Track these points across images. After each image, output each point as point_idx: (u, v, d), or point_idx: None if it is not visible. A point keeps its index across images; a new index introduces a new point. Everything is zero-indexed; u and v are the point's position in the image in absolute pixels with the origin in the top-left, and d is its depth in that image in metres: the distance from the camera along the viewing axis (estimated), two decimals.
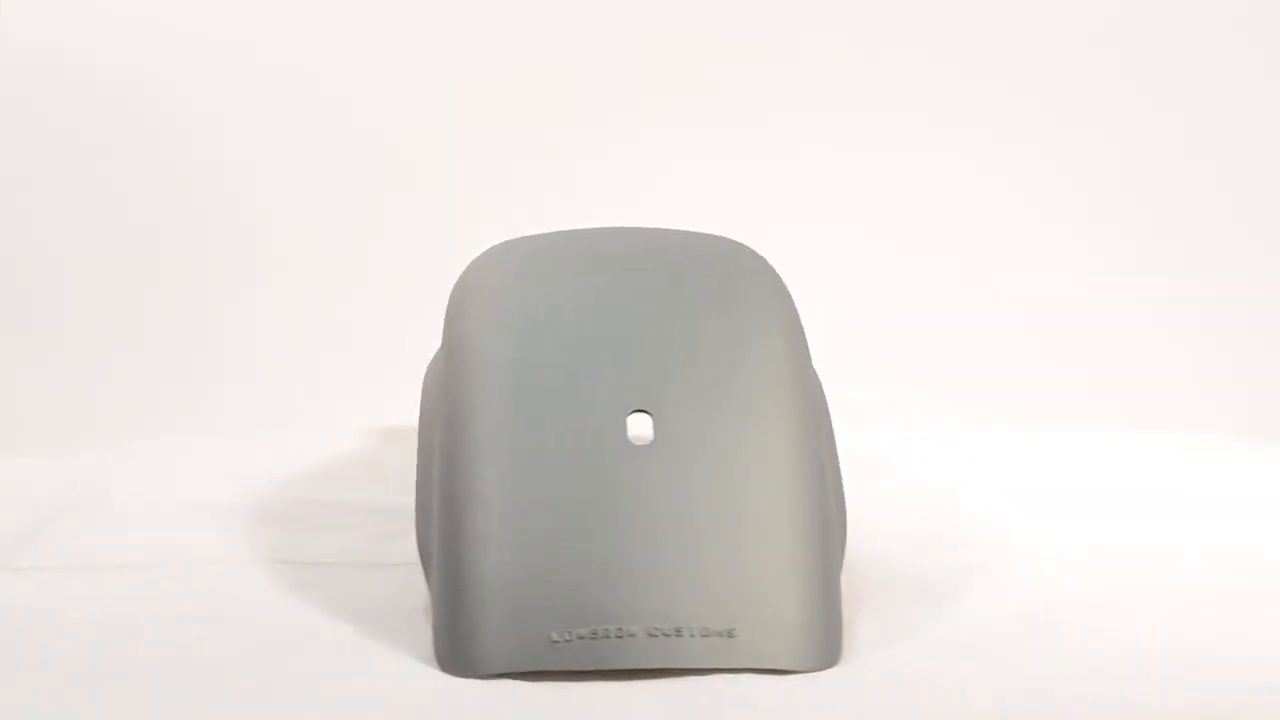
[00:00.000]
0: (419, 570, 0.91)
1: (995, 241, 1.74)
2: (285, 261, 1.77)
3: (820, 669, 0.81)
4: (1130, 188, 1.74)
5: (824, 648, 0.82)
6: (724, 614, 0.81)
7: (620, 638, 0.80)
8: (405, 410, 1.02)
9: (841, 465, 1.10)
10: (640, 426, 0.87)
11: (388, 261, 1.75)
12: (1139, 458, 1.31)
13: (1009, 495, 1.17)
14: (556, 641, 0.81)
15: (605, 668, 0.80)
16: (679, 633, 0.81)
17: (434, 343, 0.98)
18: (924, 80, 1.78)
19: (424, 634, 0.87)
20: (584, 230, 1.04)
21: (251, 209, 1.81)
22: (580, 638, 0.81)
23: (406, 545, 0.95)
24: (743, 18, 1.81)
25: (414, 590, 0.93)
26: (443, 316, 0.97)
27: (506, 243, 1.03)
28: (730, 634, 0.81)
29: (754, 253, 1.00)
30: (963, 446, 1.32)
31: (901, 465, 1.23)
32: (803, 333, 0.94)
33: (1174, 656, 0.83)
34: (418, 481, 0.92)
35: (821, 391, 0.95)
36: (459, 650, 0.82)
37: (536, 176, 1.80)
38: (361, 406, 1.06)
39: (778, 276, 0.98)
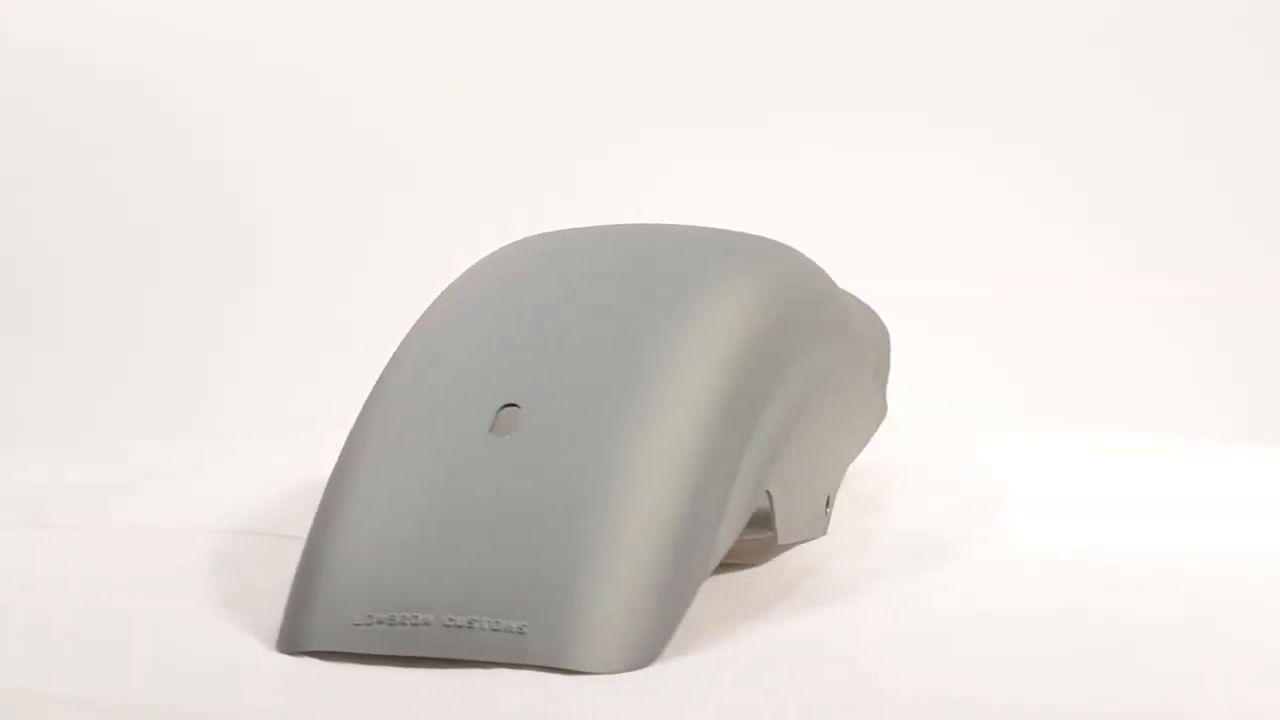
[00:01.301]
0: None
1: (995, 241, 1.74)
2: (285, 261, 1.77)
3: (615, 671, 0.80)
4: (1130, 188, 1.74)
5: (625, 651, 0.80)
6: (518, 610, 0.81)
7: (415, 625, 0.81)
8: None
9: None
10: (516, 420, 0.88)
11: (388, 261, 1.75)
12: (1138, 458, 1.31)
13: (1006, 495, 1.17)
14: (358, 625, 0.82)
15: (396, 653, 0.81)
16: (471, 625, 0.81)
17: None
18: (924, 80, 1.78)
19: None
20: (606, 227, 1.04)
21: (251, 209, 1.81)
22: (380, 622, 0.82)
23: None
24: (743, 18, 1.81)
25: None
26: None
27: (528, 238, 1.04)
28: (521, 630, 0.80)
29: (778, 259, 0.99)
30: (961, 446, 1.32)
31: (897, 466, 1.23)
32: (770, 337, 0.92)
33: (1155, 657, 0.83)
34: None
35: (793, 394, 0.93)
36: (283, 627, 0.84)
37: (536, 176, 1.80)
38: (361, 407, 1.06)
39: (786, 283, 0.96)
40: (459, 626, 0.81)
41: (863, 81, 1.79)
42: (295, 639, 0.83)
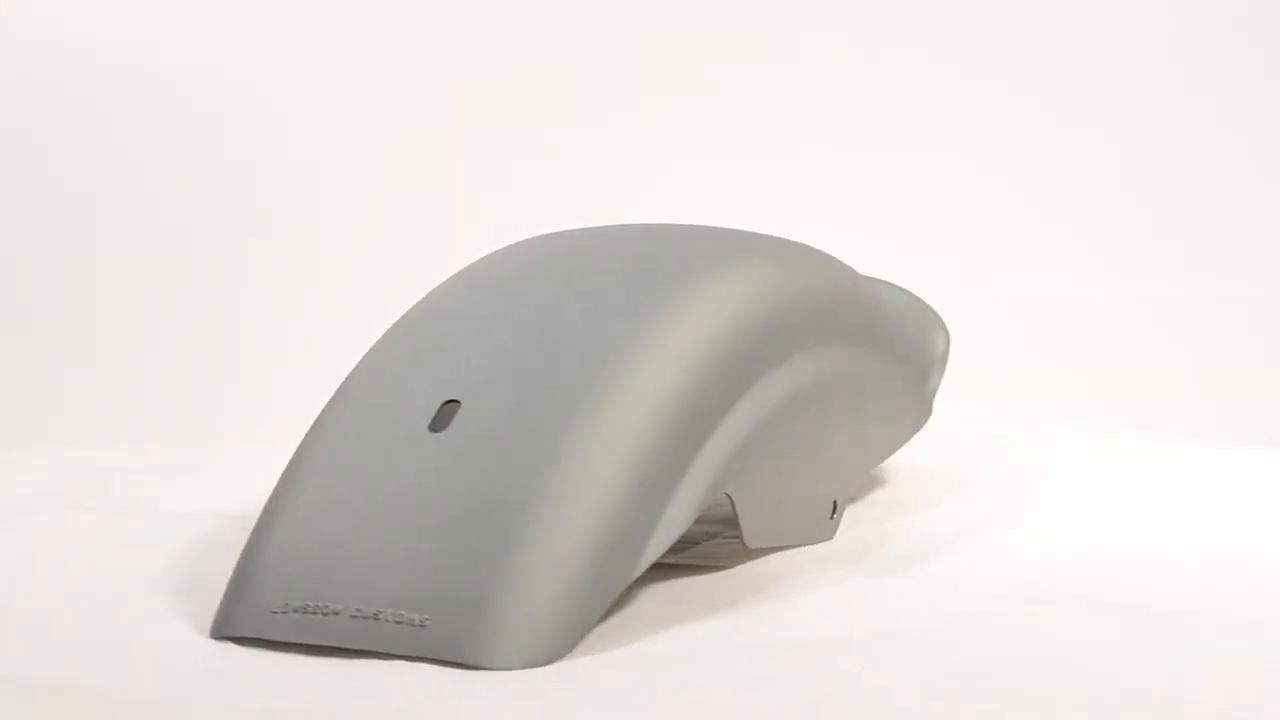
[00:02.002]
0: None
1: (995, 241, 1.74)
2: (285, 261, 1.77)
3: (513, 668, 0.80)
4: (1130, 188, 1.74)
5: (527, 649, 0.81)
6: (422, 603, 0.81)
7: (326, 615, 0.82)
8: None
9: None
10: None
11: (388, 261, 1.75)
12: (1138, 458, 1.31)
13: (1005, 495, 1.17)
14: (275, 613, 0.83)
15: (307, 641, 0.82)
16: (377, 617, 0.82)
17: None
18: (924, 80, 1.78)
19: None
20: (609, 227, 1.04)
21: (251, 209, 1.81)
22: (295, 611, 0.83)
23: None
24: (743, 18, 1.81)
25: None
26: None
27: (519, 242, 1.03)
28: (423, 624, 0.81)
29: (781, 261, 0.98)
30: (961, 446, 1.32)
31: (896, 466, 1.23)
32: (745, 339, 0.91)
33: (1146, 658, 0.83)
34: None
35: (773, 396, 0.92)
36: (216, 614, 0.86)
37: (536, 176, 1.80)
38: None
39: (777, 285, 0.95)
40: (365, 618, 0.82)
41: (863, 81, 1.79)
42: (222, 625, 0.85)
